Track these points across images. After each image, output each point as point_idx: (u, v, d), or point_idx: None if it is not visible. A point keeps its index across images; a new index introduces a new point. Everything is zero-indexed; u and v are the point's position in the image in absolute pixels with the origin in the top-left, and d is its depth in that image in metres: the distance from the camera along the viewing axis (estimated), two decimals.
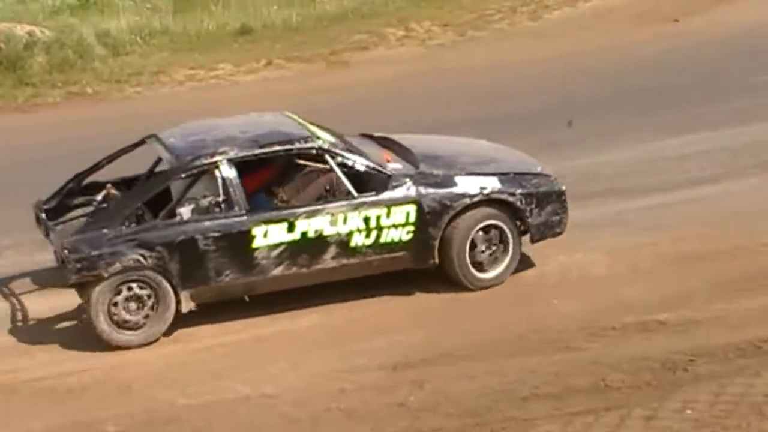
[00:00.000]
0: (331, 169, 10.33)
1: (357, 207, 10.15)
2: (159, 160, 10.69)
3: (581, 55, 17.49)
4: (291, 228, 10.01)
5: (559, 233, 10.72)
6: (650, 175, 12.83)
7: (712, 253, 10.81)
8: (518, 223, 10.51)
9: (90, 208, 10.57)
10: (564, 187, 10.74)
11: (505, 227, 10.42)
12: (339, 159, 10.28)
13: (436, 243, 10.30)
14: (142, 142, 10.86)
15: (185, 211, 10.02)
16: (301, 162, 10.62)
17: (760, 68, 16.03)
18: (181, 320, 9.99)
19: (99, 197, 10.60)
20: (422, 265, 10.41)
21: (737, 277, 10.26)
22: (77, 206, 10.73)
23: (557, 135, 14.18)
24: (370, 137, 11.20)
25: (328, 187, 10.48)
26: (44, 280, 10.89)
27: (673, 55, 17.16)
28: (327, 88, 16.79)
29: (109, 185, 10.68)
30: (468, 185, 10.40)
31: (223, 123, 10.87)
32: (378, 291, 10.39)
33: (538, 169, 10.84)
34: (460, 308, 10.21)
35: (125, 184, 10.76)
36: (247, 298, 10.07)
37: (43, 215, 10.49)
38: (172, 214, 9.96)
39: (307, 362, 9.49)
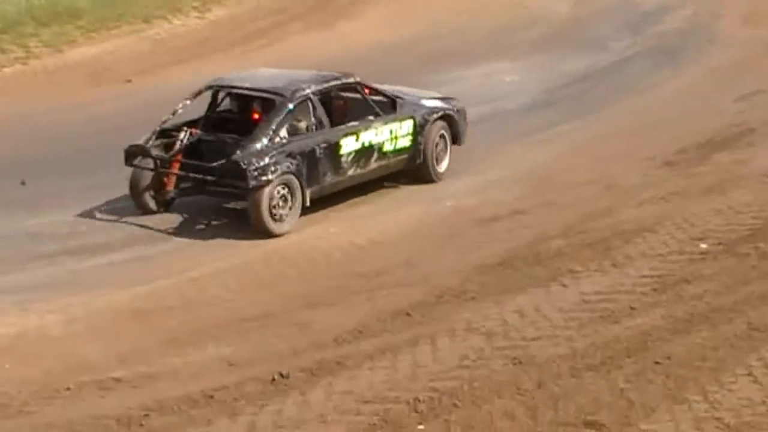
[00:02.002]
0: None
1: (386, 122, 13.88)
2: (214, 102, 13.82)
3: (33, 115, 17.25)
4: (357, 139, 13.50)
5: (463, 141, 14.81)
6: (104, 234, 12.96)
7: (165, 309, 11.06)
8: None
9: (176, 147, 13.19)
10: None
11: (446, 134, 14.54)
12: (367, 89, 14.00)
13: (422, 147, 14.22)
14: (208, 89, 13.83)
15: (283, 132, 13.00)
16: None
17: None
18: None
19: (181, 136, 13.23)
20: (412, 165, 14.29)
21: (188, 330, 10.56)
22: (158, 147, 13.29)
23: (10, 195, 13.97)
24: None
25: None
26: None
27: (126, 114, 17.17)
28: None
29: (185, 128, 13.31)
30: (431, 105, 14.56)
31: (266, 71, 14.42)
32: None
33: (451, 95, 15.20)
34: None
35: (191, 124, 13.46)
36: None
37: (153, 151, 13.16)
38: (276, 134, 12.92)
39: None
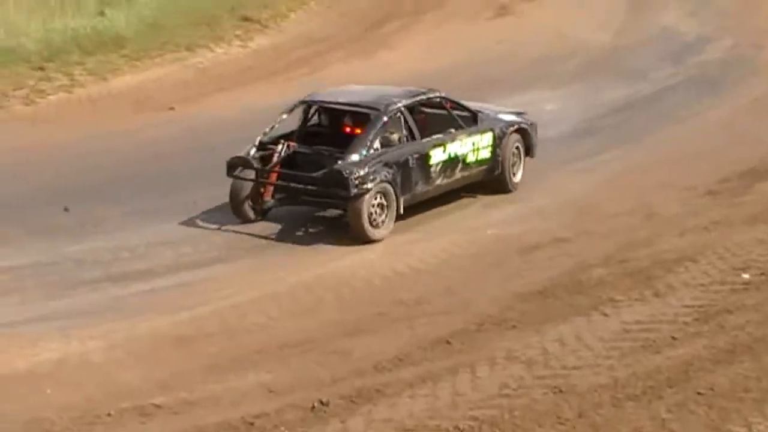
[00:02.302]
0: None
1: (470, 134, 14.58)
2: (306, 116, 14.50)
3: (77, 142, 17.38)
4: (444, 150, 14.19)
5: (535, 154, 15.42)
6: (146, 260, 13.01)
7: (206, 335, 11.09)
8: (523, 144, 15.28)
9: (275, 158, 13.87)
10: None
11: (521, 147, 15.16)
12: (450, 104, 14.74)
13: (500, 159, 14.84)
14: (301, 104, 14.57)
15: (377, 144, 13.70)
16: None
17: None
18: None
19: (279, 148, 13.90)
20: (490, 176, 14.90)
21: (229, 357, 10.58)
22: (256, 159, 13.91)
23: (53, 221, 14.07)
24: None
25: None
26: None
27: (168, 141, 17.38)
28: None
29: (282, 141, 14.00)
30: (508, 119, 15.20)
31: (356, 88, 15.18)
32: None
33: (522, 110, 15.88)
34: None
35: (286, 137, 14.15)
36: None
37: (254, 163, 13.86)
38: (371, 146, 13.61)
39: None
